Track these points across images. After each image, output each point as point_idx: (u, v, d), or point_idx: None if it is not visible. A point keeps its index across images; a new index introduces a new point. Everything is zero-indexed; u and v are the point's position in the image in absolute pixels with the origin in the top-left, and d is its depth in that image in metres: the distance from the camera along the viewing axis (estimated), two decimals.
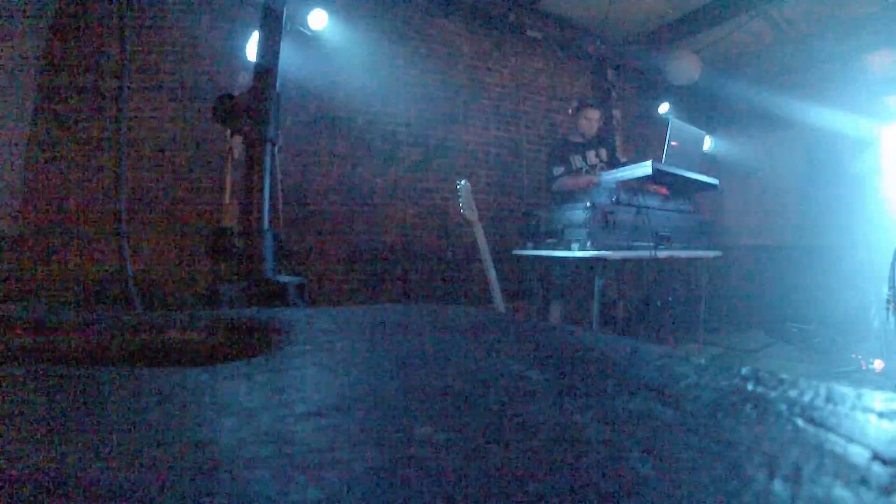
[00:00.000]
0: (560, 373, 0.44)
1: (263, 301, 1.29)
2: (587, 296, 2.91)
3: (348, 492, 0.22)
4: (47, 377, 0.45)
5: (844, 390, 0.35)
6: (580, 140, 3.26)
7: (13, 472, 0.24)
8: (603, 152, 3.27)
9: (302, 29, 3.02)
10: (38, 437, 0.30)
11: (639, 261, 2.99)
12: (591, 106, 3.29)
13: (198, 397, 0.38)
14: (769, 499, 0.21)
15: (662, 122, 3.91)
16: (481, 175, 3.97)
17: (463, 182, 2.82)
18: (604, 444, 0.28)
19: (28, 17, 2.83)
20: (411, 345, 0.58)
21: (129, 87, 2.97)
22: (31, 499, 0.22)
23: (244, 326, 0.65)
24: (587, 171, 3.14)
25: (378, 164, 3.62)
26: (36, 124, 2.91)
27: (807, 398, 0.34)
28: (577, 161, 3.17)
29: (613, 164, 3.20)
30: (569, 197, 2.97)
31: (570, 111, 3.36)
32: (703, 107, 5.01)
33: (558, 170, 3.13)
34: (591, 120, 3.26)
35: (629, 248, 2.64)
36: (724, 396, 0.36)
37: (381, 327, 0.67)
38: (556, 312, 3.14)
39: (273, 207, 1.66)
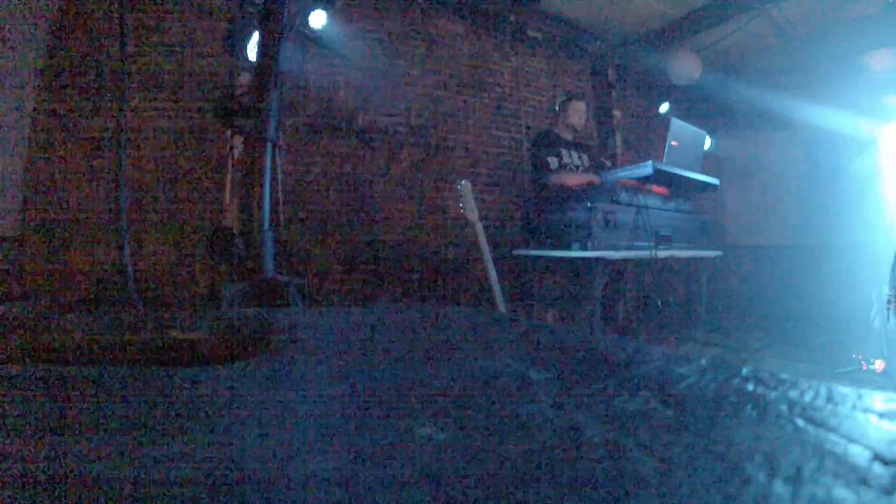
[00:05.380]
0: (560, 373, 0.44)
1: (263, 301, 1.29)
2: (587, 296, 2.91)
3: (348, 492, 0.22)
4: (47, 377, 0.45)
5: (845, 390, 0.35)
6: (568, 134, 3.21)
7: (13, 472, 0.24)
8: (585, 157, 3.19)
9: (302, 29, 3.02)
10: (38, 437, 0.30)
11: (639, 261, 2.98)
12: (578, 98, 3.25)
13: (198, 397, 0.38)
14: (769, 499, 0.21)
15: (662, 122, 3.92)
16: (481, 175, 3.97)
17: (463, 182, 2.81)
18: (604, 444, 0.28)
19: (28, 17, 2.82)
20: (411, 345, 0.58)
21: (129, 87, 2.99)
22: (31, 499, 0.22)
23: (244, 326, 0.65)
24: (583, 169, 3.09)
25: (378, 164, 3.61)
26: (36, 124, 2.91)
27: (807, 398, 0.34)
28: (567, 156, 3.13)
29: (591, 168, 3.15)
30: (562, 193, 2.93)
31: (556, 107, 3.27)
32: (703, 107, 5.01)
33: (554, 163, 3.02)
34: (580, 112, 3.20)
35: (629, 248, 2.64)
36: (724, 396, 0.36)
37: (380, 327, 0.67)
38: (554, 313, 3.13)
39: (273, 207, 1.67)
